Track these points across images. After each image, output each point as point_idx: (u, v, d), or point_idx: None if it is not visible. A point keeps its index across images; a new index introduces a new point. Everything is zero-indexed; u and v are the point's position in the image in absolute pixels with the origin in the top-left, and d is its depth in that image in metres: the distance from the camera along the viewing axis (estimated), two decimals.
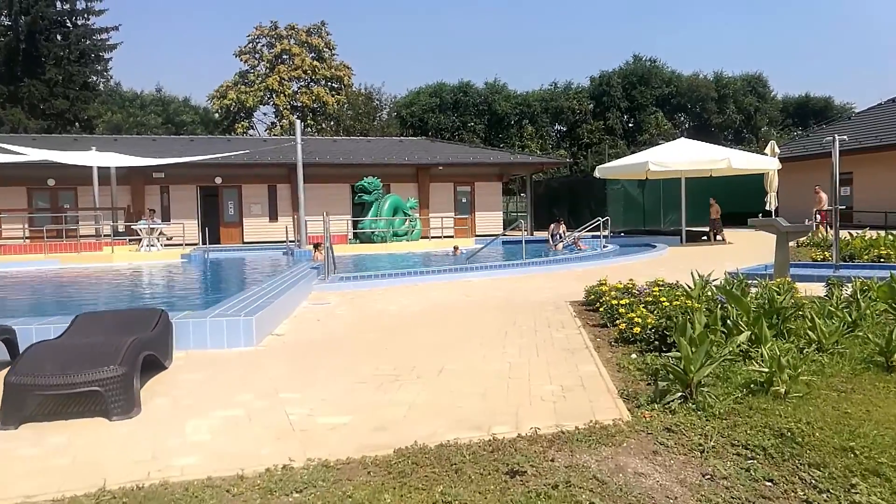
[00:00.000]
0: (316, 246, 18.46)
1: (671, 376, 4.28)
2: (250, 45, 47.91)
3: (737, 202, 27.68)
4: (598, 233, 20.14)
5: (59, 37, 40.68)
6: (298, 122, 22.21)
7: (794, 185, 28.47)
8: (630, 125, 48.87)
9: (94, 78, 45.05)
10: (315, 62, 47.52)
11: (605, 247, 19.46)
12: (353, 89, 48.43)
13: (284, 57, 47.16)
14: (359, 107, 44.95)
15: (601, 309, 7.46)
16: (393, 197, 24.13)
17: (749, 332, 5.31)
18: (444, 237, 25.52)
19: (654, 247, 18.67)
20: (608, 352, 5.86)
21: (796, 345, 5.52)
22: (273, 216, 29.35)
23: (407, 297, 9.83)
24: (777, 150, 22.65)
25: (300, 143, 21.33)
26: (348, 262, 19.37)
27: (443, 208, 29.82)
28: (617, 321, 6.58)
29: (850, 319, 6.01)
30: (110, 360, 4.28)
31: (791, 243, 9.87)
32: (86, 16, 41.42)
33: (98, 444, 3.78)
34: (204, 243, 27.46)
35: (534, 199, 34.18)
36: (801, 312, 6.46)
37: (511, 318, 7.75)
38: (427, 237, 26.28)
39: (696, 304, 6.56)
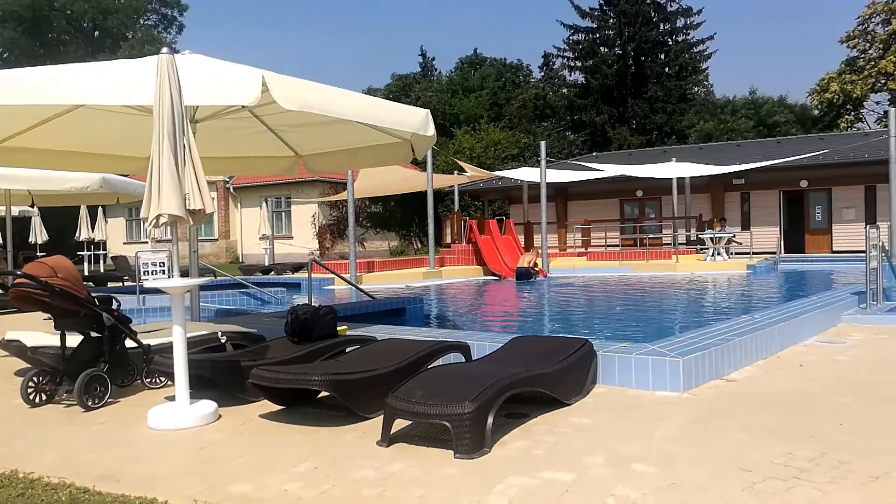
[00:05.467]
0: None
1: None
2: (860, 27, 42.42)
3: None
4: None
5: (661, 56, 43.69)
6: (893, 110, 18.81)
7: None
8: None
9: (696, 89, 46.98)
10: None
11: None
12: None
13: None
14: None
15: None
16: None
17: None
18: None
19: None
20: None
21: None
22: (871, 221, 25.55)
23: None
24: None
25: (895, 136, 18.15)
26: None
27: None
28: None
29: None
30: (465, 396, 4.26)
31: None
32: (685, 31, 43.41)
33: (422, 478, 3.78)
34: (786, 252, 25.86)
35: None
36: None
37: None
38: None
39: None
